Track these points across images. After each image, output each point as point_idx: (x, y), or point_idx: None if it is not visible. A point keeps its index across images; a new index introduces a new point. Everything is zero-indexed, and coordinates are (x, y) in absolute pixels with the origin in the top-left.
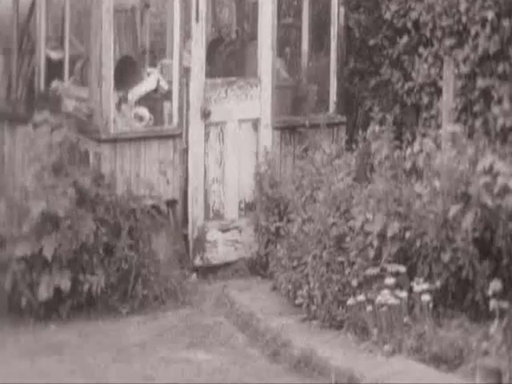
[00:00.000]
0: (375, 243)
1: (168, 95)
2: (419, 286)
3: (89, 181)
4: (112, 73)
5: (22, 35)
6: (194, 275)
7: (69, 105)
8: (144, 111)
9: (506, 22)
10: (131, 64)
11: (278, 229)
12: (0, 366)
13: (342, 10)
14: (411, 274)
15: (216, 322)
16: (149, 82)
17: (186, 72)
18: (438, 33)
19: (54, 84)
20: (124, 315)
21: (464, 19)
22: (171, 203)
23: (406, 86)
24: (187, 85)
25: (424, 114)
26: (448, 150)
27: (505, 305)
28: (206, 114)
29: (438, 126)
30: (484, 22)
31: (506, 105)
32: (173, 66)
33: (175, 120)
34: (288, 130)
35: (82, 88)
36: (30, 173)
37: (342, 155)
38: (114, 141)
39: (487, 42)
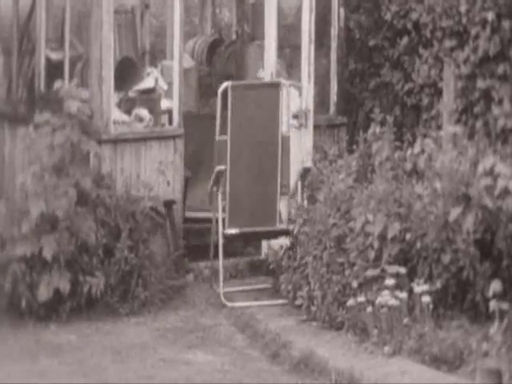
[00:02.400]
0: (376, 244)
1: (168, 96)
2: (419, 287)
3: (90, 182)
4: (112, 74)
5: (22, 36)
6: (191, 275)
7: (72, 106)
8: (144, 112)
9: (506, 23)
10: (131, 65)
11: None
12: (0, 366)
13: (342, 11)
14: (411, 275)
15: (216, 323)
16: (147, 80)
17: None
18: (439, 34)
19: (57, 85)
20: (124, 316)
21: (464, 20)
22: (169, 204)
23: (407, 87)
24: None
25: (424, 115)
26: (449, 151)
27: (505, 306)
28: None
29: (439, 127)
30: (484, 23)
31: (506, 106)
32: (173, 66)
33: (176, 121)
34: None
35: (84, 89)
36: (30, 173)
37: (342, 156)
38: (115, 142)
39: (487, 43)
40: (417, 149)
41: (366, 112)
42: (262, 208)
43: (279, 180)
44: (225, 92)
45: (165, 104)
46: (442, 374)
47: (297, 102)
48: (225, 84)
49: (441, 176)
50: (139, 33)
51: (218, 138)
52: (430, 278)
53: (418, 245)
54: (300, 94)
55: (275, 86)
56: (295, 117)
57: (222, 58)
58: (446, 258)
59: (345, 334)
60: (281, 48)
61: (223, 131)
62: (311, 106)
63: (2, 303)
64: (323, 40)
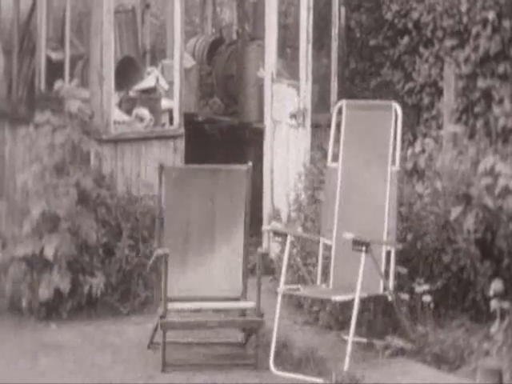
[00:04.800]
0: None
1: (169, 95)
2: (420, 286)
3: (90, 181)
4: (113, 73)
5: (23, 36)
6: None
7: (73, 105)
8: (144, 112)
9: (506, 23)
10: (132, 64)
11: None
12: (1, 365)
13: (343, 10)
14: (412, 274)
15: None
16: (148, 80)
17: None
18: (439, 33)
19: (57, 84)
20: (125, 315)
21: (465, 20)
22: None
23: (407, 87)
24: None
25: (425, 115)
26: (449, 150)
27: (506, 305)
28: None
29: (439, 127)
30: (485, 22)
31: (506, 105)
32: (174, 66)
33: (176, 120)
34: None
35: (84, 89)
36: (30, 173)
37: None
38: (115, 141)
39: (488, 42)
40: (417, 148)
41: None
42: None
43: (385, 232)
44: None
45: (165, 104)
46: (443, 373)
47: (295, 102)
48: (340, 102)
49: (441, 175)
50: (140, 32)
51: (329, 164)
52: (430, 278)
53: (419, 244)
54: (298, 94)
55: (387, 108)
56: (293, 116)
57: (223, 58)
58: (447, 258)
59: (346, 334)
60: (282, 47)
61: (334, 157)
62: (309, 106)
63: (3, 303)
64: (324, 39)
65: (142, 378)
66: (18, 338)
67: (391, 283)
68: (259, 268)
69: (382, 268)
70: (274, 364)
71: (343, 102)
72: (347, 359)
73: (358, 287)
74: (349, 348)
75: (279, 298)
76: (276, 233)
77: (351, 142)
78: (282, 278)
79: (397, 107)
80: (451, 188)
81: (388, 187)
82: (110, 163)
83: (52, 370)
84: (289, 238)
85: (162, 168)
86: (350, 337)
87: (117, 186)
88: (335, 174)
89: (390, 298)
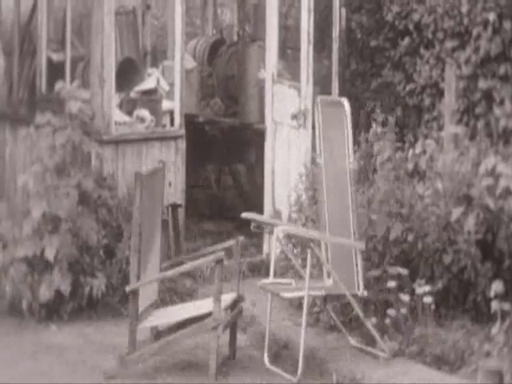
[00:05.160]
0: (379, 246)
1: (169, 96)
2: (421, 287)
3: (91, 182)
4: (113, 74)
5: (24, 37)
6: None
7: (73, 106)
8: (145, 113)
9: (507, 24)
10: (133, 66)
11: None
12: (1, 366)
13: (344, 11)
14: (413, 275)
15: None
16: (148, 81)
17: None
18: (440, 34)
19: (58, 86)
20: (125, 316)
21: (466, 21)
22: (175, 207)
23: (408, 88)
24: None
25: (426, 116)
26: (450, 151)
27: (506, 306)
28: None
29: (440, 128)
30: (486, 23)
31: (507, 106)
32: (174, 67)
33: (177, 121)
34: None
35: (85, 90)
36: (31, 174)
37: None
38: (116, 142)
39: (489, 43)
40: (418, 149)
41: (367, 112)
42: (341, 265)
43: (352, 229)
44: None
45: (166, 105)
46: (444, 374)
47: (296, 103)
48: (317, 99)
49: (442, 176)
50: (140, 33)
51: (318, 160)
52: (431, 279)
53: (420, 245)
54: (299, 95)
55: (340, 105)
56: (294, 117)
57: (224, 59)
58: (448, 259)
59: (347, 335)
60: (282, 49)
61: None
62: (310, 107)
63: (3, 304)
64: (325, 40)
65: (143, 379)
66: (18, 340)
67: (361, 282)
68: (238, 257)
69: (355, 267)
70: (268, 359)
71: (318, 99)
72: (301, 361)
73: (307, 285)
74: (301, 342)
75: (270, 297)
76: (255, 225)
77: (328, 138)
78: (271, 272)
79: (345, 103)
80: (452, 189)
81: (349, 184)
82: (110, 164)
83: (52, 371)
84: (275, 232)
85: (139, 175)
86: (302, 333)
87: (118, 186)
88: (321, 172)
89: (359, 293)
